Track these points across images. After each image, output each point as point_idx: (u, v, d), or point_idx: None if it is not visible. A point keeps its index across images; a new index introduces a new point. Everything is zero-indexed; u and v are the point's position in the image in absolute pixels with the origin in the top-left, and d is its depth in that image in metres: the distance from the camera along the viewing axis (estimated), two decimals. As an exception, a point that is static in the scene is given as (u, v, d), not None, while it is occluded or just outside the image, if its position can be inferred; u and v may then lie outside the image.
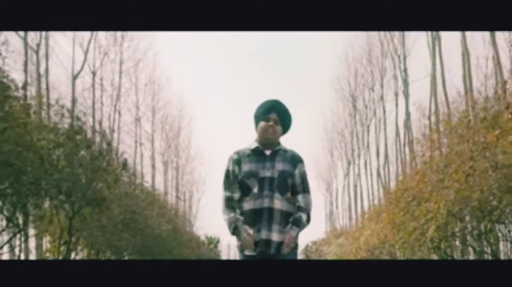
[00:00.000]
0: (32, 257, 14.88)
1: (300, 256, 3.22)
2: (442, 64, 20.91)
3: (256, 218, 3.25)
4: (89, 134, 11.58)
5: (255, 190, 3.29)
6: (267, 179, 3.30)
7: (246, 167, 3.35)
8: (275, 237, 3.23)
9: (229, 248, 66.76)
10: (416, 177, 11.98)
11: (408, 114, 25.96)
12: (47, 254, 14.04)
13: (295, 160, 3.44)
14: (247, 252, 3.27)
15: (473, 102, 10.92)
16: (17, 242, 12.74)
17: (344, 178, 42.69)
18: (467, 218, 10.23)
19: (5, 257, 12.69)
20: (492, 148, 7.44)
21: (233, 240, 3.35)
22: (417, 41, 26.85)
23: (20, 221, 9.94)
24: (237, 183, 3.36)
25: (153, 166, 36.19)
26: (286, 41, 75.47)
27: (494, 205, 7.92)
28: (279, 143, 3.48)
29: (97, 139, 13.05)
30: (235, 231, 3.28)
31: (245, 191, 3.33)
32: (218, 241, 52.93)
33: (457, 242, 11.83)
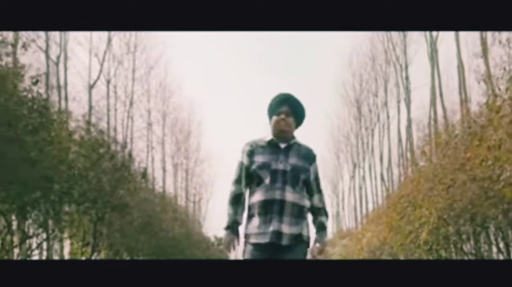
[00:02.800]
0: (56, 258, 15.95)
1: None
2: (440, 77, 21.76)
3: (267, 209, 3.25)
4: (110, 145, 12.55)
5: (267, 181, 3.27)
6: (279, 171, 3.28)
7: (259, 158, 3.34)
8: (285, 229, 3.23)
9: (235, 249, 67.53)
10: (411, 185, 12.97)
11: (409, 120, 26.85)
12: (71, 256, 15.13)
13: (310, 157, 3.44)
14: (252, 240, 3.31)
15: (467, 113, 11.82)
16: (44, 246, 13.78)
17: (350, 180, 43.45)
18: (460, 222, 11.12)
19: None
20: (470, 163, 8.35)
21: (240, 241, 3.35)
22: (418, 51, 27.68)
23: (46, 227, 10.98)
24: (249, 174, 3.38)
25: (164, 169, 36.99)
26: (292, 43, 76.16)
27: (472, 213, 8.90)
28: (293, 137, 3.46)
29: (115, 147, 13.92)
30: (228, 229, 3.41)
31: (257, 182, 3.33)
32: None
33: (450, 245, 12.73)
